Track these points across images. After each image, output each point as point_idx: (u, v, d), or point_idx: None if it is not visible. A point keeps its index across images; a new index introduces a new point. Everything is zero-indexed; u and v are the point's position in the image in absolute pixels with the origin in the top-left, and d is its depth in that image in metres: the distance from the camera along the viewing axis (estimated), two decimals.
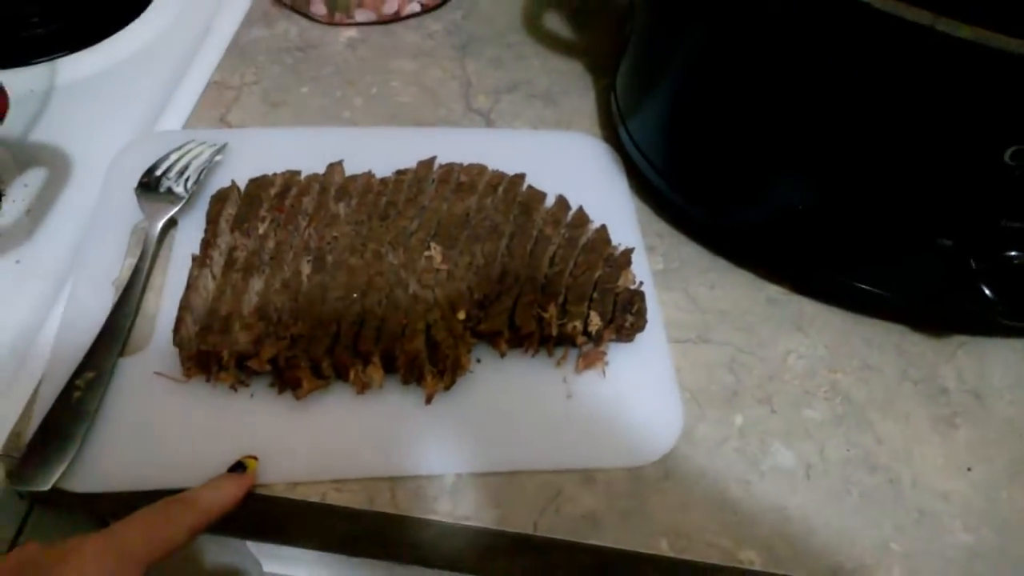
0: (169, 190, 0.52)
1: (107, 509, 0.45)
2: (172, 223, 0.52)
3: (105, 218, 0.52)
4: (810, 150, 0.45)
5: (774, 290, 0.53)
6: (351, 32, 0.68)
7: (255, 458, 0.42)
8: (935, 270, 0.46)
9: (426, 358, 0.44)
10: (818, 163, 0.46)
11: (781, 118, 0.45)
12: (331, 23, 0.68)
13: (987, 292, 0.44)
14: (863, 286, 0.49)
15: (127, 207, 0.53)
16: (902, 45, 0.38)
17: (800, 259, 0.51)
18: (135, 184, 0.53)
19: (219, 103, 0.61)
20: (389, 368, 0.45)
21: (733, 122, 0.48)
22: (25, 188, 0.55)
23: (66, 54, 0.64)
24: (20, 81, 0.61)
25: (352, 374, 0.44)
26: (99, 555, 0.33)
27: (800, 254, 0.50)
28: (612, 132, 0.60)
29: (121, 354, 0.46)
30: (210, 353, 0.43)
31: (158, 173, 0.53)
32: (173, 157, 0.54)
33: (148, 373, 0.45)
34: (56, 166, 0.57)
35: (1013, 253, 0.43)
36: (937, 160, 0.41)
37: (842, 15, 0.39)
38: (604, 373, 0.47)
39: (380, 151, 0.55)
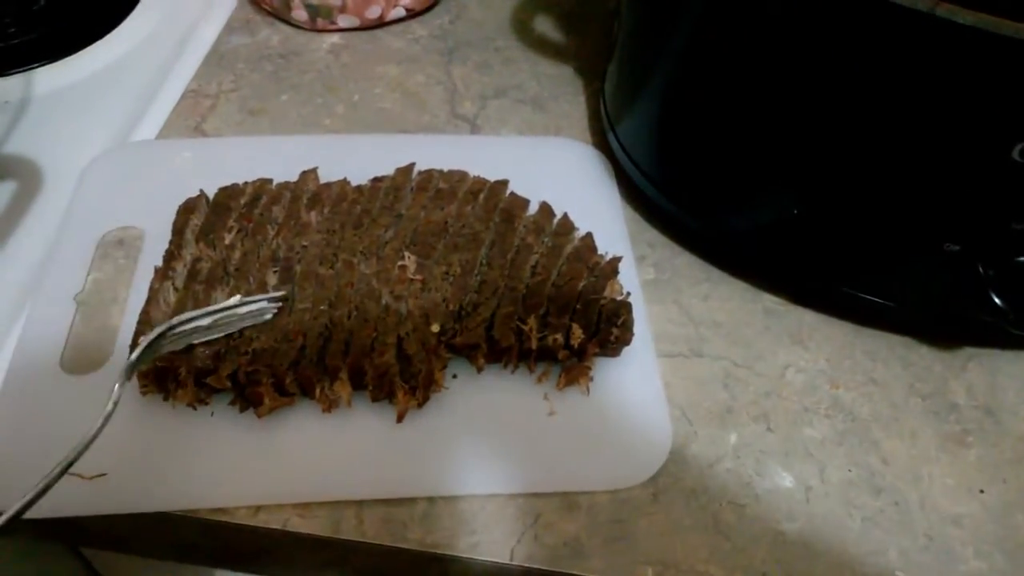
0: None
1: (62, 535, 0.43)
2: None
3: (71, 231, 0.50)
4: (806, 151, 0.43)
5: (772, 300, 0.50)
6: (334, 38, 0.66)
7: None
8: (942, 278, 0.43)
9: (397, 373, 0.42)
10: (815, 165, 0.43)
11: (775, 118, 0.43)
12: (314, 29, 0.66)
13: (997, 300, 0.41)
14: (866, 296, 0.46)
15: (94, 220, 0.51)
16: (900, 35, 0.35)
17: (799, 268, 0.48)
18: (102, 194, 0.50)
19: (195, 112, 0.59)
20: (358, 384, 0.42)
21: (724, 123, 0.46)
22: None
23: (43, 64, 0.63)
24: None
25: (318, 391, 0.42)
26: None
27: (799, 263, 0.47)
28: (602, 138, 0.58)
29: (79, 371, 0.44)
30: (167, 369, 0.41)
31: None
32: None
33: (105, 392, 0.43)
34: (26, 179, 0.55)
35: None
36: (941, 159, 0.38)
37: (837, 5, 0.36)
38: (588, 390, 0.44)
39: (359, 159, 0.53)
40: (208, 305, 0.43)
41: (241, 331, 0.43)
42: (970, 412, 0.46)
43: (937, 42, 0.34)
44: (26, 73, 0.62)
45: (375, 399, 0.42)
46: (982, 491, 0.43)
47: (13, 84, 0.61)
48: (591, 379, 0.44)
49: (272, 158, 0.53)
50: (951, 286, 0.43)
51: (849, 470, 0.43)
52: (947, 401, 0.46)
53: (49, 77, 0.62)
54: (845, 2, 0.35)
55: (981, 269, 0.41)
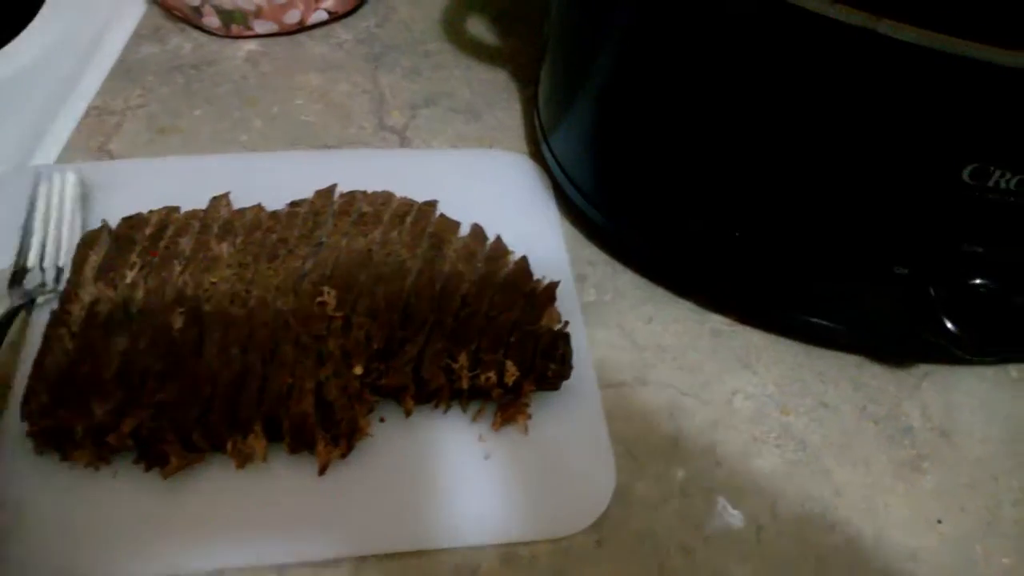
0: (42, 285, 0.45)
1: None
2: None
3: None
4: (749, 169, 0.40)
5: (719, 321, 0.48)
6: (251, 45, 0.62)
7: None
8: (891, 300, 0.41)
9: (317, 422, 0.39)
10: (758, 184, 0.40)
11: (715, 133, 0.40)
12: (228, 36, 0.62)
13: (948, 324, 0.39)
14: (813, 319, 0.44)
15: None
16: (843, 51, 0.33)
17: (743, 292, 0.45)
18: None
19: (99, 131, 0.55)
20: (273, 436, 0.39)
21: (661, 137, 0.43)
22: None
23: None
24: None
25: (229, 446, 0.38)
26: None
27: (743, 286, 0.45)
28: (538, 148, 0.55)
29: None
30: (61, 428, 0.37)
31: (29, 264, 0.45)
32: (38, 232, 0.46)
33: None
34: None
35: (976, 281, 0.38)
36: (889, 180, 0.36)
37: (777, 19, 0.34)
38: (526, 429, 0.41)
39: (277, 180, 0.49)
40: (108, 354, 0.40)
41: (143, 382, 0.39)
42: (925, 435, 0.44)
43: (881, 60, 0.32)
44: None
45: (293, 451, 0.39)
46: (939, 521, 0.41)
47: None
48: (529, 416, 0.42)
49: (183, 181, 0.50)
50: (901, 310, 0.41)
51: (801, 504, 0.41)
52: (901, 424, 0.44)
53: None
54: (787, 17, 0.33)
55: (932, 292, 0.39)
